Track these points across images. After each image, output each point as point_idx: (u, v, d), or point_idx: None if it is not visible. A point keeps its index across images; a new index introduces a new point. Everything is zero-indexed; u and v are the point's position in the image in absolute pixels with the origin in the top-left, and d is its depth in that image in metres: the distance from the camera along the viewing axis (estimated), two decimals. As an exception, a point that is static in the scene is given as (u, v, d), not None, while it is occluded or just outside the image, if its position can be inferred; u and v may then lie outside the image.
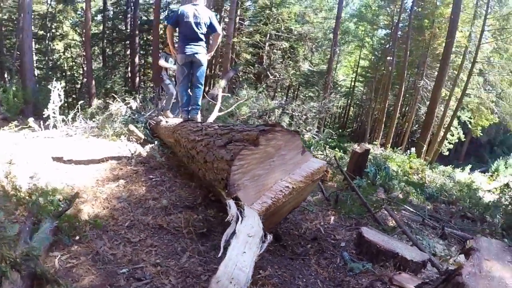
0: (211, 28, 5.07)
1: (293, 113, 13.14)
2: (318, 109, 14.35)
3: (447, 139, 23.65)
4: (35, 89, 15.14)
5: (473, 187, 9.93)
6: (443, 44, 23.07)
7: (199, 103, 5.34)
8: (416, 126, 29.13)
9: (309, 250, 3.33)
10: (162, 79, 7.78)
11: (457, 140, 26.18)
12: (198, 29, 4.96)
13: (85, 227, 2.84)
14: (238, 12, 20.75)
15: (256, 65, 22.15)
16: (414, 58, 24.95)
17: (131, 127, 7.40)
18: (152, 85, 27.80)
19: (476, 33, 20.01)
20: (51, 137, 7.58)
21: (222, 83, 12.56)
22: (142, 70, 26.78)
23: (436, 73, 24.62)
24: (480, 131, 25.09)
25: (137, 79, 23.82)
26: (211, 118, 6.97)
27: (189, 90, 5.60)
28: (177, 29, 5.28)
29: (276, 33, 21.50)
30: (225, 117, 10.82)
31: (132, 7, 24.61)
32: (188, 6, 4.99)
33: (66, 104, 19.71)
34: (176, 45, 5.36)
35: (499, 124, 25.49)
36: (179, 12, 4.96)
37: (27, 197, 2.86)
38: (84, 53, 26.00)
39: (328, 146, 11.83)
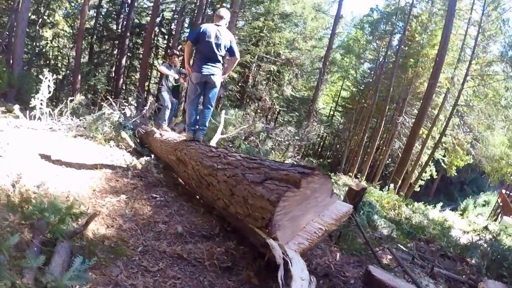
0: (230, 51, 5.00)
1: (277, 138, 13.18)
2: (300, 137, 14.46)
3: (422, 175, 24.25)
4: (21, 74, 14.58)
5: (445, 225, 10.17)
6: (425, 84, 23.92)
7: (207, 124, 5.23)
8: (389, 160, 29.74)
9: (323, 287, 3.30)
10: (160, 89, 7.56)
11: (429, 177, 26.86)
12: (218, 51, 4.86)
13: (95, 249, 2.65)
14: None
15: (240, 84, 22.19)
16: (394, 94, 25.61)
17: (123, 134, 7.21)
18: (132, 88, 27.42)
19: (459, 76, 20.78)
20: (35, 129, 7.31)
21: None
22: (126, 72, 26.36)
23: (415, 110, 25.44)
24: (455, 171, 25.89)
25: (121, 80, 23.37)
26: (214, 140, 6.82)
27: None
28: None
29: (265, 56, 21.65)
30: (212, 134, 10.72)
31: (127, 8, 24.38)
32: (211, 26, 4.90)
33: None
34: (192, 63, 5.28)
35: (472, 164, 26.35)
36: (201, 30, 4.84)
37: (37, 212, 2.62)
38: (72, 45, 25.58)
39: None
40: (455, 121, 23.24)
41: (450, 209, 20.74)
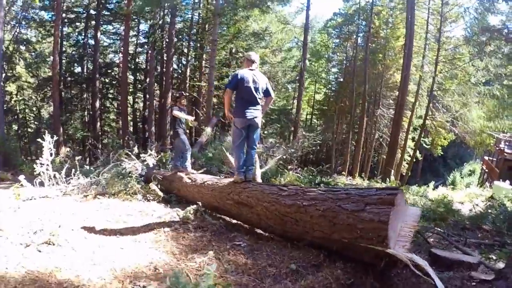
0: (266, 93, 5.24)
1: (274, 155, 13.34)
2: (295, 149, 14.72)
3: (405, 160, 25.07)
4: (4, 137, 14.04)
5: (446, 201, 10.64)
6: (395, 74, 24.85)
7: (254, 163, 5.37)
8: (372, 151, 30.39)
9: (407, 274, 3.67)
10: (178, 133, 7.36)
11: (414, 160, 27.67)
12: (257, 94, 5.08)
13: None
14: (204, 57, 20.90)
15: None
16: (368, 88, 26.31)
17: (153, 186, 7.12)
18: (108, 129, 26.94)
19: (428, 63, 21.69)
20: (49, 197, 7.03)
21: (208, 130, 12.52)
22: (100, 114, 25.86)
23: (390, 101, 26.34)
24: (440, 150, 27.06)
25: (98, 123, 22.88)
26: (258, 177, 6.81)
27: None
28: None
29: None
30: (219, 164, 10.74)
31: (89, 50, 24.03)
32: (246, 71, 5.09)
33: (18, 149, 18.70)
34: (232, 109, 5.39)
35: (453, 140, 27.39)
36: (239, 77, 5.02)
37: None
38: (39, 97, 24.88)
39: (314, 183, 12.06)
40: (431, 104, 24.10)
41: (440, 185, 21.62)
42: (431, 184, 18.33)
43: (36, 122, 26.36)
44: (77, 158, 9.08)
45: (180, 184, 6.99)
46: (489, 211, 8.13)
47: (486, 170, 28.05)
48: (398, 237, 3.30)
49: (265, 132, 26.01)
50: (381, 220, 3.12)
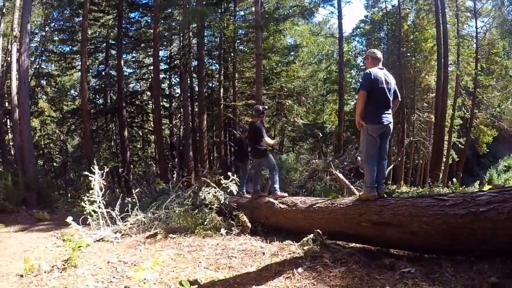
0: (394, 94, 4.50)
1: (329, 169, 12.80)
2: (350, 160, 14.20)
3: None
4: (38, 173, 13.49)
5: None
6: (426, 77, 24.04)
7: (385, 176, 4.73)
8: (405, 157, 29.25)
9: None
10: (265, 152, 6.64)
11: (451, 161, 26.61)
12: (390, 96, 4.37)
13: None
14: (236, 75, 20.23)
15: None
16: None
17: (243, 217, 6.19)
18: (135, 159, 26.20)
19: (463, 62, 20.86)
20: (107, 241, 6.15)
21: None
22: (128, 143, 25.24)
23: (424, 104, 25.48)
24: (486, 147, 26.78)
25: (127, 153, 22.14)
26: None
27: None
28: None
29: (267, 92, 21.06)
30: (281, 184, 10.04)
31: (112, 80, 23.59)
32: (378, 70, 4.38)
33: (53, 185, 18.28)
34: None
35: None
36: (372, 77, 4.27)
37: None
38: (60, 130, 24.58)
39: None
40: (469, 102, 23.31)
41: (479, 185, 20.46)
42: (476, 184, 17.33)
43: (62, 156, 25.90)
44: (135, 190, 8.17)
45: (270, 211, 6.15)
46: None
47: (526, 164, 27.02)
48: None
49: (305, 147, 25.21)
50: None
